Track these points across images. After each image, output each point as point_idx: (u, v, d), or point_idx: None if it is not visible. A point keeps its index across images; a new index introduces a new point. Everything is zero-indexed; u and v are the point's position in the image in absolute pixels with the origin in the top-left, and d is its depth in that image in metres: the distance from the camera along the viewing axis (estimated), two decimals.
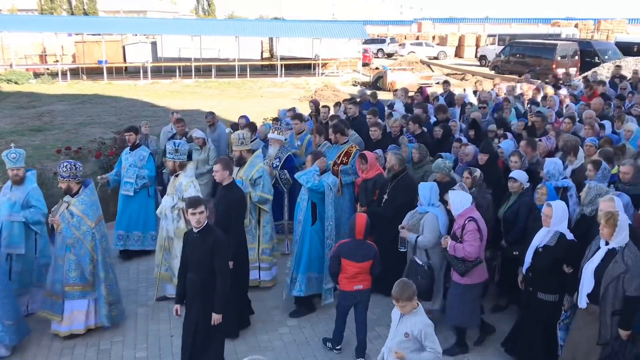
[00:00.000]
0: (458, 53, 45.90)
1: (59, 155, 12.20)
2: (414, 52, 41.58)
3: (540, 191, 6.16)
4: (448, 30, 52.05)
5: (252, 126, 9.56)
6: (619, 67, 19.27)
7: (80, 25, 35.20)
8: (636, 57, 24.83)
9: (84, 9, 58.24)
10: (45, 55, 35.19)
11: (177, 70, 32.27)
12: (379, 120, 10.24)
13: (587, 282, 4.97)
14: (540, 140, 8.51)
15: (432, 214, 6.20)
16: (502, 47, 34.19)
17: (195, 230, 5.24)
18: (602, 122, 9.79)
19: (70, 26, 35.26)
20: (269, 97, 25.64)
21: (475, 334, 6.17)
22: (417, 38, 48.90)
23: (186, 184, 6.67)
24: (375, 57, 41.27)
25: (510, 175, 6.65)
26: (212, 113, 11.04)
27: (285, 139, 8.77)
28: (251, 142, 8.56)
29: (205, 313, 5.24)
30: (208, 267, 5.21)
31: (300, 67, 36.06)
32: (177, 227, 6.68)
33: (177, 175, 6.78)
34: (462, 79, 30.32)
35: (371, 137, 9.26)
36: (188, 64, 32.27)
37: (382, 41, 46.57)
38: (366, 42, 39.95)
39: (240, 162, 7.29)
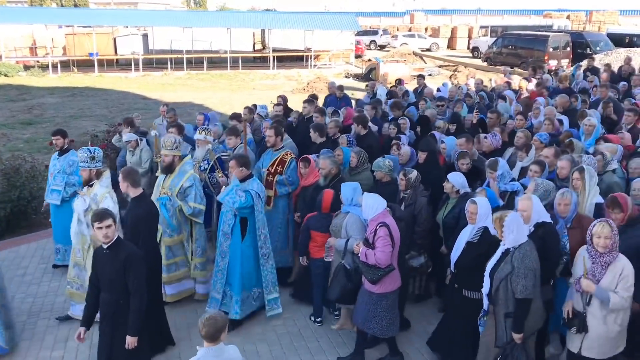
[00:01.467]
0: (450, 45, 45.93)
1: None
2: (406, 43, 41.56)
3: (480, 194, 5.98)
4: (440, 21, 52.07)
5: (179, 126, 8.90)
6: (592, 59, 19.36)
7: (70, 17, 34.91)
8: (628, 49, 24.92)
9: (74, 1, 57.75)
10: (36, 47, 34.88)
11: (169, 63, 32.10)
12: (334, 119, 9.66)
13: (485, 283, 4.98)
14: (485, 137, 8.30)
15: (353, 215, 5.99)
16: (495, 38, 34.22)
17: (105, 246, 4.80)
18: (560, 117, 9.65)
19: (61, 18, 34.98)
20: (261, 89, 25.56)
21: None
22: (410, 30, 48.87)
23: (102, 194, 6.09)
24: (367, 49, 41.21)
25: (447, 176, 6.45)
26: (172, 109, 10.52)
27: (214, 140, 8.35)
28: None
29: (121, 336, 4.82)
30: (121, 285, 4.77)
31: (292, 59, 35.95)
32: (92, 232, 6.01)
33: (91, 185, 6.21)
34: (454, 71, 30.32)
35: (356, 133, 8.82)
36: (179, 56, 32.11)
37: (375, 33, 46.51)
38: (358, 33, 39.86)
39: (170, 169, 6.60)
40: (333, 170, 6.76)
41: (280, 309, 6.52)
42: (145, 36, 34.98)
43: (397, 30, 49.29)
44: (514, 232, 4.82)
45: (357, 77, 29.82)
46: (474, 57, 37.32)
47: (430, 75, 26.41)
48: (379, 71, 28.12)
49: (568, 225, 5.46)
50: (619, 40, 29.12)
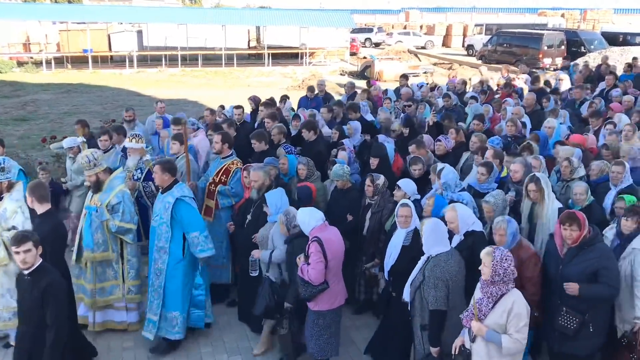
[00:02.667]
0: (445, 42, 45.96)
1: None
2: (401, 41, 41.54)
3: (428, 202, 5.83)
4: (435, 19, 52.02)
5: (120, 129, 8.47)
6: (566, 58, 19.42)
7: (64, 13, 34.68)
8: (622, 47, 25.01)
9: None
10: (29, 43, 34.71)
11: (163, 59, 32.01)
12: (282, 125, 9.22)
13: (406, 291, 4.86)
14: (438, 139, 8.17)
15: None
16: (489, 36, 34.27)
17: (25, 273, 4.30)
18: (524, 119, 9.65)
19: (55, 14, 34.73)
20: (256, 87, 25.50)
21: None
22: (405, 27, 48.86)
23: (12, 210, 5.57)
24: (362, 47, 41.21)
25: (398, 182, 6.24)
26: (131, 108, 10.05)
27: (148, 147, 7.83)
28: (107, 151, 7.76)
29: None
30: (38, 317, 4.24)
31: (287, 57, 35.91)
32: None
33: (1, 199, 5.72)
34: (449, 69, 30.35)
35: (274, 141, 8.28)
36: (174, 52, 32.02)
37: (370, 30, 46.49)
38: (354, 31, 39.85)
39: (98, 187, 5.95)
40: (266, 182, 6.29)
41: (212, 318, 6.21)
42: (139, 33, 34.87)
43: (392, 27, 49.26)
44: (430, 239, 4.72)
45: (352, 74, 29.80)
46: (468, 55, 37.37)
47: (425, 73, 26.38)
48: (374, 69, 28.13)
49: None
50: (613, 39, 29.25)
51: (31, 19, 33.72)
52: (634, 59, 18.72)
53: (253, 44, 41.34)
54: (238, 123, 9.67)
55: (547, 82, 15.64)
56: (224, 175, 6.95)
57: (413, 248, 5.22)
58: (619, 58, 21.35)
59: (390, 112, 11.28)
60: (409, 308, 4.88)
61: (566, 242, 4.76)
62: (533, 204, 5.71)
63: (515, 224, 5.00)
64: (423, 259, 4.84)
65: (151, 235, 5.97)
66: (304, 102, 12.39)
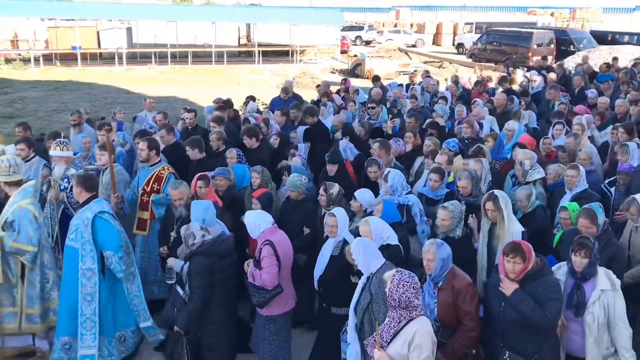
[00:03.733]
0: (436, 41, 46.06)
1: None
2: (391, 39, 41.60)
3: (377, 207, 5.51)
4: (426, 17, 52.16)
5: (28, 141, 7.53)
6: (545, 59, 19.42)
7: (53, 10, 34.36)
8: (610, 46, 25.17)
9: None
10: (17, 40, 34.40)
11: (153, 57, 31.83)
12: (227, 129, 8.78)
13: (350, 317, 4.53)
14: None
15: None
16: (479, 35, 34.39)
17: None
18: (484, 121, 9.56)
19: (43, 11, 34.40)
20: (246, 85, 25.42)
21: None
22: (395, 25, 48.93)
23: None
24: (353, 45, 41.19)
25: (355, 193, 5.92)
26: (78, 111, 9.67)
27: (76, 153, 7.39)
28: (29, 160, 7.12)
29: None
30: None
31: (278, 54, 35.82)
32: None
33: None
34: (439, 67, 30.42)
35: (212, 148, 7.87)
36: (164, 50, 31.85)
37: (360, 28, 46.53)
38: (344, 29, 39.85)
39: (6, 199, 5.48)
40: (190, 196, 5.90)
41: (162, 334, 5.76)
42: (129, 30, 34.64)
43: (383, 26, 49.35)
44: (366, 257, 4.46)
45: (343, 72, 29.78)
46: (459, 53, 37.50)
47: (415, 71, 26.39)
48: (364, 67, 28.15)
49: (439, 284, 4.48)
50: (602, 38, 29.45)
51: (19, 16, 33.37)
52: (614, 58, 18.83)
53: (243, 41, 41.22)
54: (190, 127, 9.41)
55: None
56: (156, 183, 6.53)
57: (342, 258, 5.01)
58: (607, 57, 21.45)
59: (354, 116, 10.93)
60: (356, 331, 4.49)
61: (509, 276, 4.27)
62: (493, 224, 5.30)
63: (447, 250, 4.47)
64: (363, 279, 4.56)
65: (68, 255, 5.36)
66: (277, 104, 11.73)
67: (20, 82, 24.99)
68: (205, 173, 6.41)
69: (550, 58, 26.77)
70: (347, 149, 7.88)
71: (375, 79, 14.03)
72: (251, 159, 7.60)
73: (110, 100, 20.73)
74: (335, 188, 6.00)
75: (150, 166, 6.70)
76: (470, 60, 31.70)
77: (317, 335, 5.50)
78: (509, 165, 7.58)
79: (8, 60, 30.60)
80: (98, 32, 33.85)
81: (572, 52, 26.35)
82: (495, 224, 5.27)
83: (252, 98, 11.88)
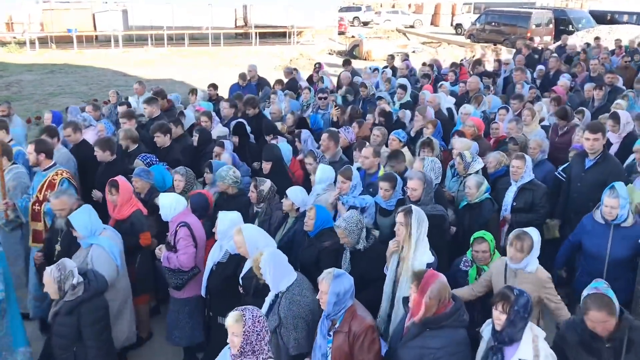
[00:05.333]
0: (434, 21, 45.72)
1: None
2: (389, 20, 41.31)
3: (308, 214, 5.05)
4: None
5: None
6: (526, 39, 19.09)
7: None
8: (609, 26, 25.05)
9: None
10: (12, 23, 34.07)
11: (149, 39, 31.58)
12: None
13: None
14: (338, 131, 7.47)
15: (98, 247, 4.94)
16: (478, 15, 34.15)
17: None
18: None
19: None
20: (243, 67, 25.24)
21: None
22: (393, 6, 48.52)
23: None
24: (351, 26, 40.89)
25: (287, 191, 5.57)
26: (7, 102, 8.94)
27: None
28: None
29: None
30: None
31: (275, 36, 35.55)
32: None
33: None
34: (437, 47, 30.24)
35: (158, 145, 7.21)
36: (160, 32, 31.58)
37: (358, 9, 46.09)
38: (342, 10, 39.53)
39: None
40: (74, 206, 5.32)
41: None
42: (124, 12, 34.29)
43: (381, 6, 48.88)
44: (276, 274, 4.08)
45: (340, 54, 29.60)
46: (457, 33, 37.23)
47: (413, 52, 26.26)
48: (362, 48, 27.97)
49: (336, 326, 3.82)
50: (600, 18, 29.31)
51: None
52: (596, 38, 18.61)
53: (240, 23, 40.88)
54: (148, 119, 8.63)
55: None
56: (49, 190, 5.77)
57: (228, 266, 4.81)
58: (606, 36, 21.36)
59: (307, 105, 10.26)
60: None
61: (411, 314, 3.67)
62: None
63: (345, 284, 3.76)
64: (271, 296, 4.20)
65: None
66: (235, 91, 11.23)
67: (16, 65, 24.80)
68: (116, 178, 5.67)
69: (549, 38, 26.65)
70: (308, 140, 7.54)
71: (346, 62, 13.34)
72: (164, 158, 6.93)
73: (106, 83, 20.60)
74: (267, 184, 5.72)
75: (43, 171, 6.03)
76: (468, 40, 31.49)
77: (207, 346, 5.22)
78: (449, 154, 7.25)
79: (3, 44, 30.35)
80: (93, 15, 33.49)
81: (571, 32, 26.21)
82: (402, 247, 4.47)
83: (213, 86, 11.13)
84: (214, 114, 8.77)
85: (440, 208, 5.43)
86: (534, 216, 6.04)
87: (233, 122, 8.31)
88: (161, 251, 5.16)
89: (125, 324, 5.21)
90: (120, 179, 5.60)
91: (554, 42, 24.08)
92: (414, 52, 26.44)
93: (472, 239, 4.84)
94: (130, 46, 31.11)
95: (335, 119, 8.82)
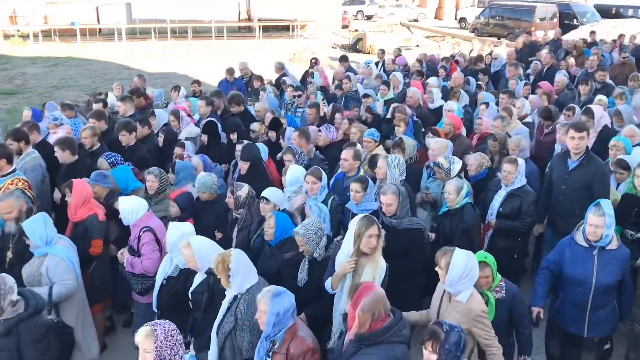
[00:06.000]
0: (438, 15, 45.52)
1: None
2: (393, 14, 41.19)
3: (268, 222, 4.81)
4: None
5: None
6: (529, 33, 18.65)
7: None
8: (614, 20, 24.93)
9: None
10: (16, 16, 34.07)
11: (153, 32, 31.57)
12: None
13: (212, 342, 4.09)
14: (319, 129, 7.34)
15: (54, 256, 4.67)
16: (482, 9, 34.02)
17: None
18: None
19: None
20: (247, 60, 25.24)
21: None
22: (397, 0, 48.35)
23: None
24: (354, 19, 40.79)
25: (264, 193, 5.33)
26: None
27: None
28: None
29: None
30: None
31: (278, 29, 35.49)
32: None
33: None
34: (441, 41, 30.15)
35: (123, 144, 6.93)
36: (163, 25, 31.57)
37: (362, 2, 45.96)
38: (345, 3, 39.42)
39: None
40: (23, 207, 5.09)
41: None
42: (128, 5, 34.29)
43: (385, 0, 48.74)
44: (242, 274, 3.92)
45: (344, 47, 29.54)
46: (461, 27, 37.10)
47: (417, 46, 26.20)
48: (365, 42, 27.91)
49: (275, 348, 3.63)
50: (605, 11, 29.15)
51: None
52: (592, 32, 18.39)
53: (243, 16, 40.81)
54: (122, 117, 8.28)
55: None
56: None
57: (178, 282, 4.58)
58: (611, 31, 21.27)
59: (291, 103, 9.85)
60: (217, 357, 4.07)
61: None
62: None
63: (286, 303, 3.54)
64: (229, 298, 4.05)
65: None
66: (223, 86, 10.97)
67: (20, 58, 24.82)
68: (73, 179, 5.48)
69: (553, 32, 26.54)
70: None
71: (343, 58, 12.87)
72: (129, 157, 6.67)
73: (110, 77, 20.61)
74: (244, 190, 5.44)
75: (2, 177, 5.73)
76: (472, 34, 31.38)
77: None
78: (424, 153, 6.93)
79: (6, 36, 30.37)
80: (97, 8, 33.51)
81: (576, 26, 26.11)
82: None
83: (197, 82, 10.78)
84: (182, 113, 8.34)
85: (418, 221, 5.15)
86: (519, 224, 5.81)
87: (203, 121, 8.00)
88: (124, 256, 5.00)
89: (89, 337, 4.96)
90: (76, 180, 5.40)
91: (560, 36, 24.01)
92: (417, 46, 26.38)
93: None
94: (133, 39, 31.10)
95: (321, 114, 8.56)
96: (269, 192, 5.31)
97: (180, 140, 7.38)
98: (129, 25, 32.24)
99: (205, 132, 7.51)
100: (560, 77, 10.64)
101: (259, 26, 33.16)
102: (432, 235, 5.69)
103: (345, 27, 36.44)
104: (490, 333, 3.94)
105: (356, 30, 32.75)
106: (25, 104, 15.98)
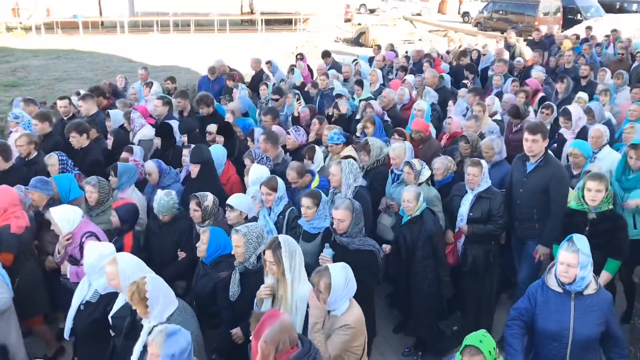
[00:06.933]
0: (441, 9, 45.41)
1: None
2: (396, 7, 41.06)
3: (202, 238, 4.48)
4: None
5: None
6: (533, 27, 18.57)
7: None
8: (618, 15, 24.83)
9: None
10: (18, 8, 34.03)
11: (155, 25, 31.53)
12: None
13: None
14: (287, 132, 7.10)
15: None
16: (485, 3, 33.90)
17: None
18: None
19: None
20: (250, 54, 25.17)
21: None
22: None
23: None
24: (357, 13, 40.68)
25: (230, 201, 5.05)
26: None
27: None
28: None
29: None
30: None
31: (281, 23, 35.41)
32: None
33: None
34: (444, 36, 30.05)
35: (75, 146, 6.62)
36: (166, 18, 31.52)
37: None
38: None
39: None
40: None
41: None
42: None
43: None
44: (161, 301, 3.59)
45: (347, 41, 29.47)
46: (464, 22, 37.01)
47: (420, 40, 26.13)
48: (368, 36, 27.84)
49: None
50: (610, 6, 29.00)
51: None
52: (587, 28, 18.24)
53: (246, 9, 40.72)
54: (65, 117, 7.87)
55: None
56: None
57: (97, 308, 4.21)
58: (615, 26, 21.15)
59: (265, 102, 9.42)
60: None
61: None
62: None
63: (184, 339, 3.13)
64: (146, 329, 3.75)
65: None
66: (204, 85, 10.59)
67: (22, 51, 24.81)
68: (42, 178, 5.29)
69: (557, 27, 26.44)
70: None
71: (325, 54, 12.41)
72: (81, 160, 6.41)
73: (112, 69, 20.60)
74: (210, 199, 5.10)
75: None
76: (475, 29, 31.29)
77: None
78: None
79: (9, 29, 30.35)
80: (99, 1, 33.46)
81: (579, 21, 25.98)
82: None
83: (172, 79, 10.47)
84: (135, 114, 7.67)
85: (371, 243, 4.70)
86: (492, 227, 5.54)
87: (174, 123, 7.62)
88: (66, 267, 4.73)
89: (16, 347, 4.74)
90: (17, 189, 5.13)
91: (562, 31, 23.92)
92: (420, 40, 26.30)
93: (463, 345, 3.39)
94: (135, 32, 31.06)
95: (296, 114, 8.25)
96: (234, 200, 5.01)
97: (129, 144, 6.98)
98: (131, 18, 32.20)
99: (158, 134, 7.08)
100: (538, 73, 10.53)
101: (262, 19, 33.07)
102: (387, 248, 5.32)
103: (348, 20, 36.37)
104: (345, 345, 3.65)
105: (359, 24, 32.67)
106: (28, 96, 15.99)
